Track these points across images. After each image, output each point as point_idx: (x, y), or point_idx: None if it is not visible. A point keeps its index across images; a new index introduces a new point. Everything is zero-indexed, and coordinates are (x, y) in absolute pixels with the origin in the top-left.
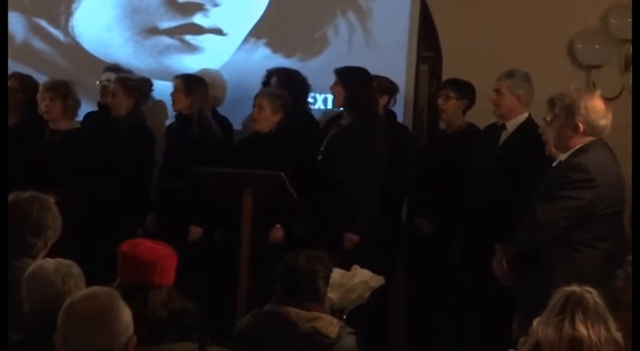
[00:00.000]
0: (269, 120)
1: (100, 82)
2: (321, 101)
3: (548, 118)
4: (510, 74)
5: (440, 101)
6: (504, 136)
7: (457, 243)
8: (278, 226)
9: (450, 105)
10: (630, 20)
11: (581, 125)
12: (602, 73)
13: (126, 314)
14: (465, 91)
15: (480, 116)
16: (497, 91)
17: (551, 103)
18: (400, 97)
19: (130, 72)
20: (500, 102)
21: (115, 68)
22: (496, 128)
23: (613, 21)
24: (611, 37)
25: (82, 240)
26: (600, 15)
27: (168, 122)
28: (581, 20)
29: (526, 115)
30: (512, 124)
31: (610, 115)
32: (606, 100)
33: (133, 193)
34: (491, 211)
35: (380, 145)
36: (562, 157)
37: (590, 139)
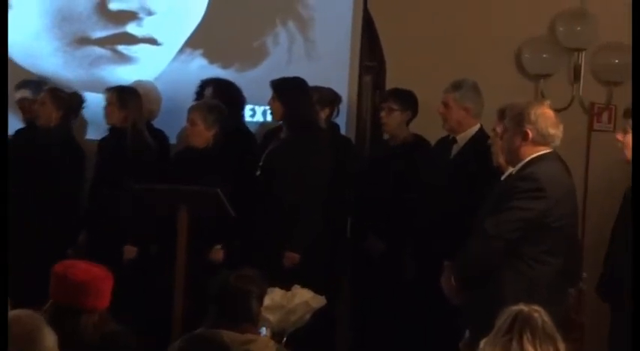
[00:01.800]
0: (203, 135)
1: (17, 100)
2: (260, 114)
3: (499, 129)
4: (457, 86)
5: (383, 114)
6: (455, 149)
7: (407, 260)
8: (218, 246)
9: (393, 118)
10: (579, 28)
11: (530, 132)
12: (551, 83)
13: (50, 339)
14: (408, 101)
15: (428, 128)
16: (445, 104)
17: (502, 113)
18: (343, 108)
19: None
20: (449, 115)
21: (30, 83)
22: (447, 142)
23: (561, 29)
24: (560, 46)
25: (13, 260)
26: (548, 23)
27: (99, 136)
28: (529, 29)
29: (477, 127)
30: (463, 138)
31: (561, 126)
32: (556, 110)
33: (62, 211)
34: (442, 227)
35: (321, 159)
36: (513, 169)
37: (541, 149)
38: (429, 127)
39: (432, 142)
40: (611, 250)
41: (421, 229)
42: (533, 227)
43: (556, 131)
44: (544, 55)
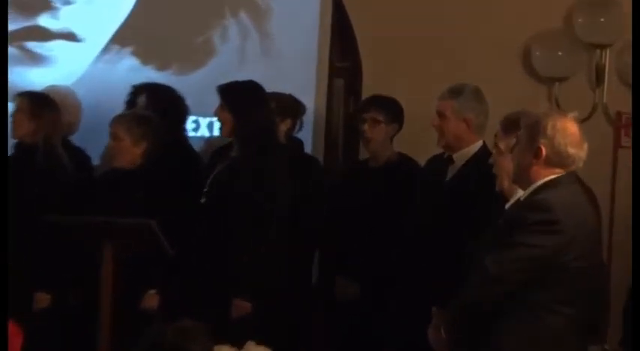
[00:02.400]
0: (129, 153)
1: None
2: (205, 127)
3: (502, 146)
4: (456, 92)
5: (366, 127)
6: (452, 171)
7: (387, 306)
8: (152, 291)
9: (378, 132)
10: (603, 20)
11: (543, 149)
12: (568, 88)
13: None
14: (395, 112)
15: (415, 145)
16: (441, 115)
17: (508, 124)
18: (308, 120)
19: None
20: (445, 128)
21: None
22: (441, 162)
23: (580, 21)
24: (578, 41)
25: None
26: (563, 14)
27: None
28: (540, 20)
29: (479, 144)
30: (461, 157)
31: (584, 146)
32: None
33: None
34: (432, 266)
35: (280, 183)
36: (521, 195)
37: (557, 172)
38: (415, 144)
39: (420, 162)
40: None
41: (406, 269)
42: (545, 268)
43: (577, 151)
44: (559, 53)
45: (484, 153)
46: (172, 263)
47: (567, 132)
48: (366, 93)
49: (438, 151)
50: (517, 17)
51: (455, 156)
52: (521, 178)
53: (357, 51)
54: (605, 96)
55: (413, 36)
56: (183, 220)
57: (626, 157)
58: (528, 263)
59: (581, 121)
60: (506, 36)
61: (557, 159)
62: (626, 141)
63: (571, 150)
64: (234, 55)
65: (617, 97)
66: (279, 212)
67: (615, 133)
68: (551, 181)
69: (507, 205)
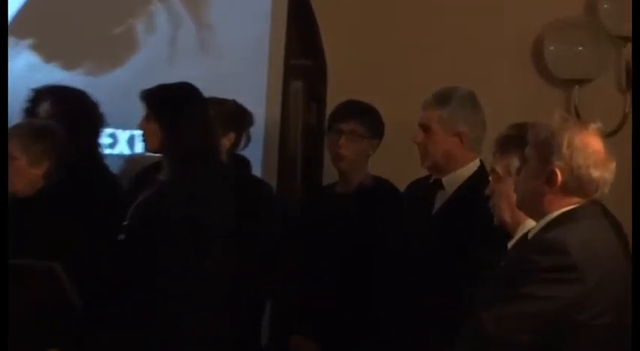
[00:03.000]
0: (26, 175)
1: None
2: (125, 142)
3: (500, 169)
4: (444, 98)
5: (342, 141)
6: (441, 200)
7: None
8: (53, 350)
9: (356, 148)
10: None
11: (559, 173)
12: (591, 92)
13: None
14: (378, 126)
15: (394, 166)
16: (425, 128)
17: (506, 142)
18: (257, 133)
19: None
20: (431, 145)
21: None
22: (427, 187)
23: (605, 6)
24: (604, 33)
25: None
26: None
27: None
28: (555, 6)
29: (476, 164)
30: (453, 181)
31: (612, 165)
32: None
33: None
34: (416, 321)
35: (221, 212)
36: (530, 230)
37: (576, 201)
38: (394, 165)
39: (401, 187)
40: None
41: (382, 324)
42: (557, 326)
43: (602, 174)
44: (579, 49)
45: (482, 175)
46: (80, 316)
47: (589, 150)
48: (331, 99)
49: (423, 173)
50: (526, 3)
51: (445, 180)
52: (530, 208)
53: (320, 46)
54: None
55: (393, 27)
56: (95, 262)
57: None
58: (536, 321)
59: (608, 135)
60: (513, 27)
61: (577, 185)
62: None
63: (594, 173)
64: (163, 51)
65: None
66: (220, 250)
67: None
68: (568, 213)
69: (510, 244)
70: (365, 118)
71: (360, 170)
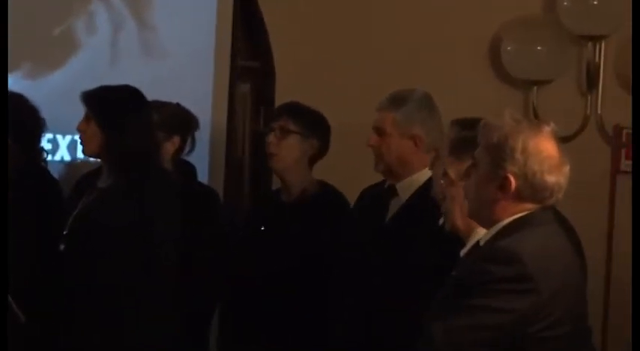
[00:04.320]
0: None
1: None
2: (65, 147)
3: (452, 173)
4: (399, 100)
5: (272, 139)
6: (394, 208)
7: None
8: None
9: (288, 146)
10: (596, 2)
11: (512, 180)
12: (551, 94)
13: None
14: (313, 123)
15: (347, 171)
16: (379, 131)
17: (458, 145)
18: (203, 137)
19: None
20: (385, 149)
21: None
22: (380, 194)
23: (566, 4)
24: (564, 31)
25: None
26: None
27: None
28: (512, 4)
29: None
30: (407, 187)
31: (566, 169)
32: (560, 139)
33: None
34: (365, 336)
35: (165, 222)
36: (481, 237)
37: (529, 207)
38: (345, 171)
39: (352, 195)
40: None
41: (331, 339)
42: (511, 338)
43: (558, 179)
44: (538, 48)
45: None
46: (22, 332)
47: (544, 155)
48: (280, 102)
49: (376, 178)
50: (482, 1)
51: (399, 186)
52: (481, 215)
53: (268, 47)
54: (600, 105)
55: (345, 27)
56: (36, 274)
57: (626, 185)
58: (490, 333)
59: (568, 139)
60: (468, 26)
61: (531, 191)
62: (627, 165)
63: (549, 179)
64: (104, 52)
65: (615, 105)
66: (163, 260)
67: (614, 154)
68: (521, 219)
69: (463, 252)
70: (297, 115)
71: (299, 174)
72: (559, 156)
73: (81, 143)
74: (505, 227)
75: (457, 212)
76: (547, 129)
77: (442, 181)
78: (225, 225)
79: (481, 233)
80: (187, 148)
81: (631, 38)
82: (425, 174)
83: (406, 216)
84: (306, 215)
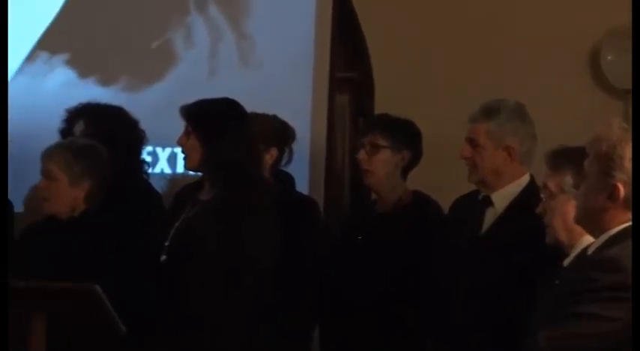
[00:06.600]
0: (67, 196)
1: None
2: (165, 160)
3: (552, 186)
4: (492, 111)
5: (362, 155)
6: (490, 219)
7: None
8: None
9: (380, 161)
10: None
11: (621, 188)
12: None
13: None
14: (405, 136)
15: (441, 181)
16: (472, 142)
17: (556, 159)
18: (301, 148)
19: None
20: (478, 160)
21: None
22: (475, 204)
23: None
24: None
25: None
26: None
27: None
28: (613, 13)
29: (526, 179)
30: (502, 197)
31: None
32: None
33: None
34: (467, 349)
35: (265, 233)
36: (588, 246)
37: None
38: (441, 180)
39: (446, 204)
40: None
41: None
42: (613, 347)
43: None
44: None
45: (533, 191)
46: (124, 339)
47: None
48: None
49: (470, 188)
50: (582, 10)
51: (494, 196)
52: (590, 224)
53: (367, 58)
54: None
55: (442, 39)
56: (138, 284)
57: None
58: (593, 341)
59: None
60: (568, 36)
61: None
62: None
63: None
64: (203, 65)
65: None
66: (261, 268)
67: None
68: (630, 228)
69: (566, 262)
70: (385, 129)
71: (392, 186)
72: None
73: (184, 159)
74: (614, 236)
75: (559, 225)
76: None
77: (542, 194)
78: (324, 235)
79: (584, 244)
80: (285, 160)
81: None
82: (520, 184)
83: (504, 227)
84: (401, 225)
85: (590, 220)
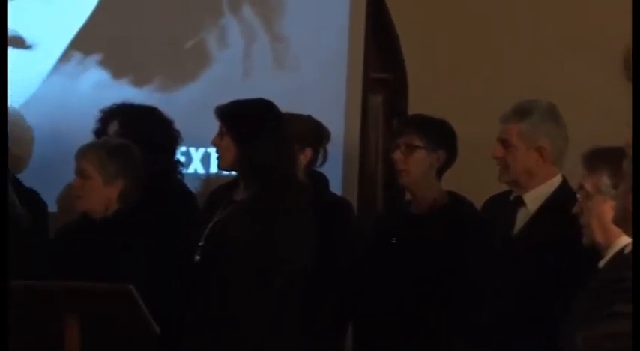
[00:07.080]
0: (101, 195)
1: None
2: (198, 161)
3: (589, 187)
4: (524, 111)
5: (397, 155)
6: (523, 217)
7: None
8: None
9: (415, 162)
10: None
11: None
12: None
13: None
14: (440, 136)
15: (474, 182)
16: (504, 143)
17: (593, 160)
18: (335, 149)
19: None
20: (510, 160)
21: None
22: (507, 205)
23: None
24: None
25: None
26: None
27: None
28: None
29: (558, 180)
30: (535, 198)
31: None
32: None
33: None
34: (505, 346)
35: (299, 234)
36: (626, 246)
37: None
38: (475, 181)
39: (477, 205)
40: None
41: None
42: None
43: None
44: None
45: (565, 192)
46: (158, 341)
47: None
48: (412, 113)
49: (501, 188)
50: (615, 10)
51: (526, 197)
52: (628, 224)
53: (401, 58)
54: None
55: (475, 39)
56: (172, 285)
57: None
58: (629, 339)
59: None
60: (601, 36)
61: None
62: None
63: None
64: (237, 65)
65: None
66: (297, 273)
67: None
68: None
69: (602, 263)
70: (421, 129)
71: (428, 187)
72: None
73: (218, 159)
74: None
75: (596, 226)
76: None
77: (578, 195)
78: (358, 235)
79: (620, 245)
80: (319, 161)
81: None
82: (552, 185)
83: (537, 228)
84: (437, 227)
85: (629, 221)
